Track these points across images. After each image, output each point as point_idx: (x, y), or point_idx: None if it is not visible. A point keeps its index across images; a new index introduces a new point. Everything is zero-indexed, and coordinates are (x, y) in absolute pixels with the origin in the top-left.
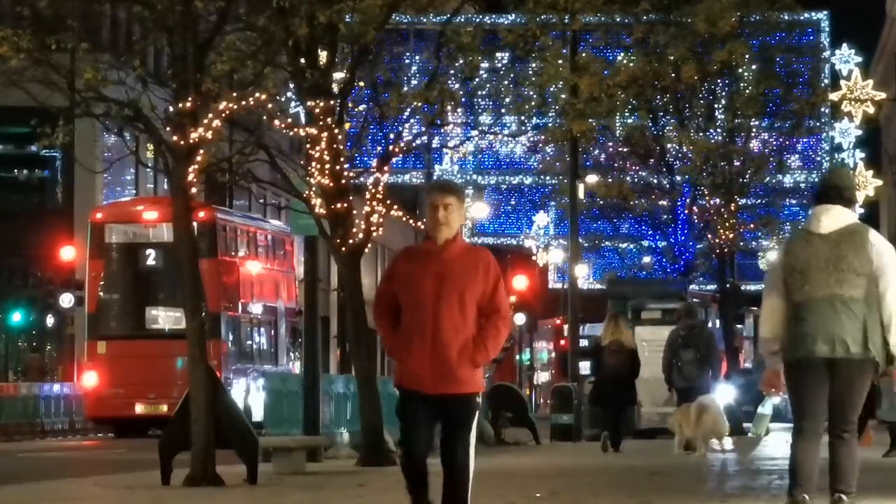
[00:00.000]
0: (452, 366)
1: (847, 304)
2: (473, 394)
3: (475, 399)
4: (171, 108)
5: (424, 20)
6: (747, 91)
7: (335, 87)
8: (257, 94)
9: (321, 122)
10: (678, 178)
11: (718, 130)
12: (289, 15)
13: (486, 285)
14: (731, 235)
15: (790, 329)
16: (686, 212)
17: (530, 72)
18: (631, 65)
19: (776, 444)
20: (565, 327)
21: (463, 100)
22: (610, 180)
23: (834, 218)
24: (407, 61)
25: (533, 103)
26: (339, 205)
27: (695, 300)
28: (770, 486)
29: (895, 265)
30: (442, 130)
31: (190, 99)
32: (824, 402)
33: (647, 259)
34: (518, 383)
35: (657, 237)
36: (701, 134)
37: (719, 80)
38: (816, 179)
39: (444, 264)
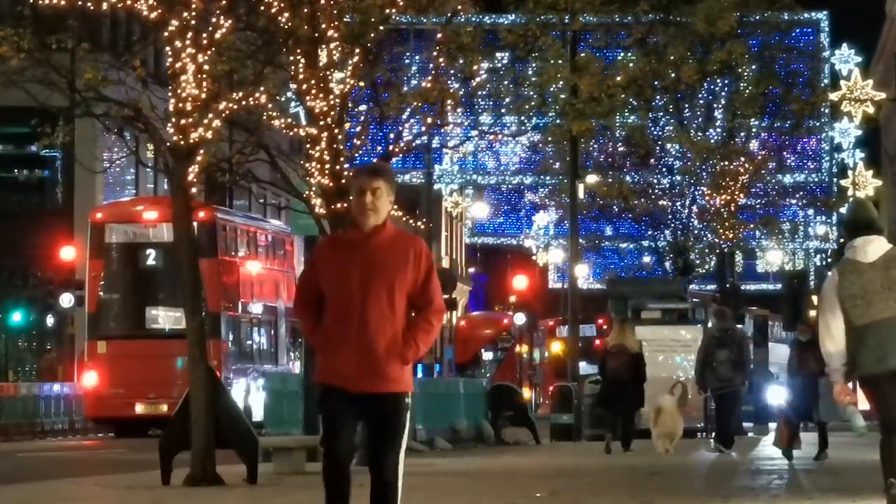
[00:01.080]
0: (380, 362)
1: None
2: (403, 393)
3: (405, 400)
4: (170, 108)
5: (424, 20)
6: (747, 91)
7: (335, 87)
8: (257, 94)
9: (321, 122)
10: (678, 177)
11: (718, 130)
12: (290, 15)
13: (418, 275)
14: (730, 235)
15: (861, 349)
16: (686, 212)
17: (530, 72)
18: (631, 65)
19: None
20: (558, 329)
21: (463, 100)
22: (610, 180)
23: (875, 246)
24: (407, 61)
25: (533, 103)
26: (339, 205)
27: (695, 300)
28: (770, 485)
29: None
30: (442, 130)
31: (190, 99)
32: None
33: (647, 259)
34: (518, 383)
35: (657, 237)
36: (700, 134)
37: (719, 80)
38: (816, 179)
39: (371, 253)
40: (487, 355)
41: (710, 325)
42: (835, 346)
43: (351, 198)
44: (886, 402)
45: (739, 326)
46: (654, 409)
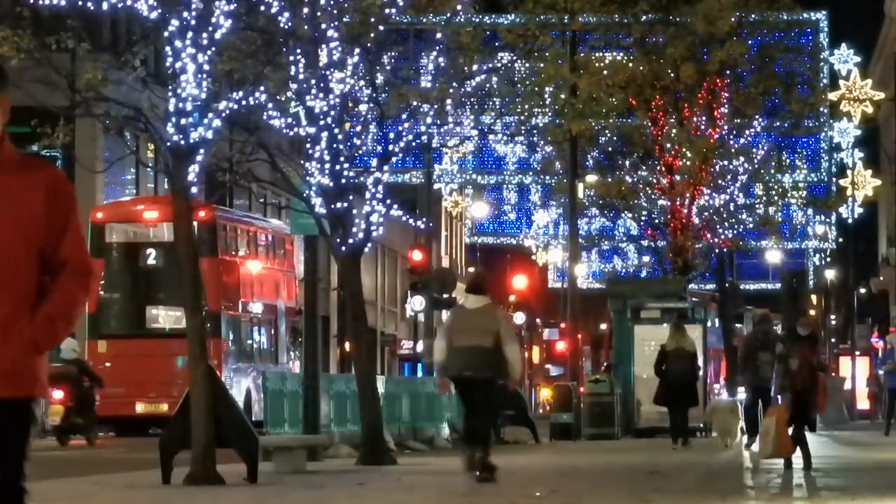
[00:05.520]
0: None
1: (484, 348)
2: (31, 398)
3: (34, 407)
4: (170, 108)
5: (424, 20)
6: (747, 91)
7: (335, 87)
8: (257, 94)
9: (321, 122)
10: (678, 177)
11: (718, 130)
12: (289, 14)
13: (52, 220)
14: (730, 235)
15: (454, 360)
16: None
17: (530, 72)
18: (630, 65)
19: None
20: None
21: (462, 99)
22: (609, 180)
23: (478, 301)
24: (407, 61)
25: (532, 103)
26: (338, 205)
27: (694, 300)
28: (769, 484)
29: (509, 327)
30: (442, 130)
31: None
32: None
33: (646, 259)
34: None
35: (657, 237)
36: (697, 133)
37: (719, 80)
38: (815, 179)
39: None
40: None
41: (752, 327)
42: (441, 358)
43: None
44: (461, 394)
45: (737, 326)
46: (710, 409)
